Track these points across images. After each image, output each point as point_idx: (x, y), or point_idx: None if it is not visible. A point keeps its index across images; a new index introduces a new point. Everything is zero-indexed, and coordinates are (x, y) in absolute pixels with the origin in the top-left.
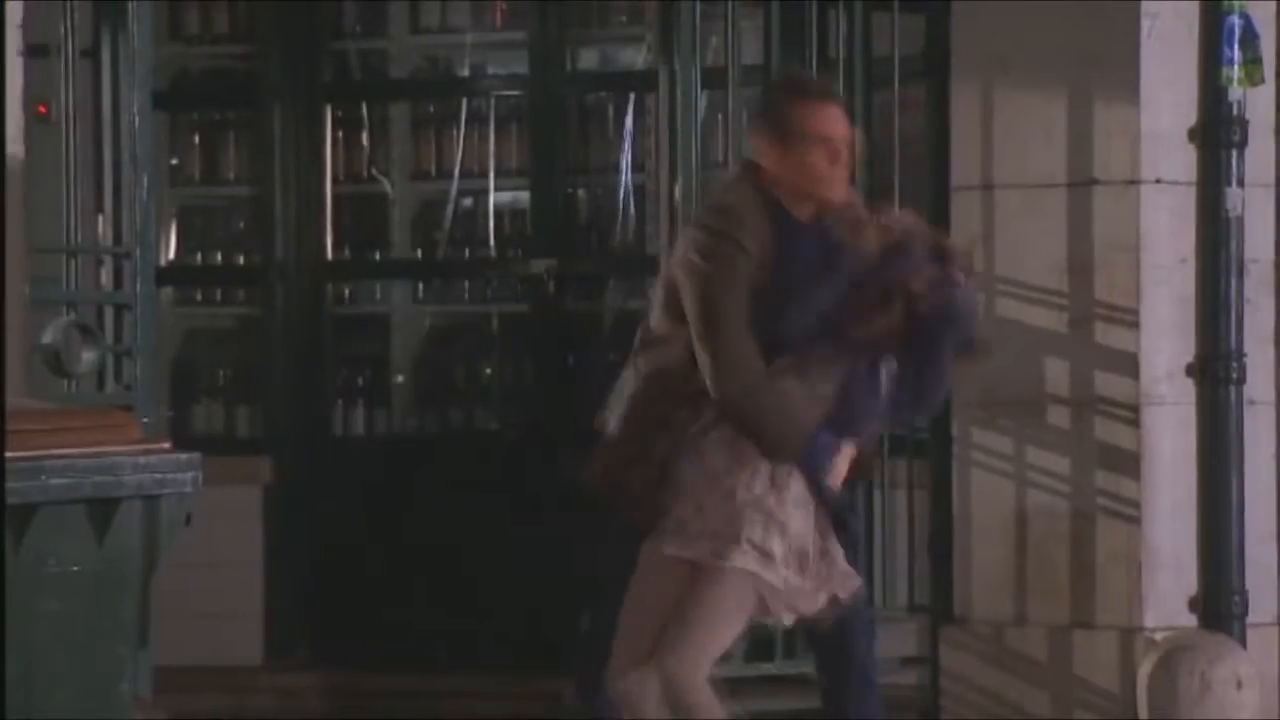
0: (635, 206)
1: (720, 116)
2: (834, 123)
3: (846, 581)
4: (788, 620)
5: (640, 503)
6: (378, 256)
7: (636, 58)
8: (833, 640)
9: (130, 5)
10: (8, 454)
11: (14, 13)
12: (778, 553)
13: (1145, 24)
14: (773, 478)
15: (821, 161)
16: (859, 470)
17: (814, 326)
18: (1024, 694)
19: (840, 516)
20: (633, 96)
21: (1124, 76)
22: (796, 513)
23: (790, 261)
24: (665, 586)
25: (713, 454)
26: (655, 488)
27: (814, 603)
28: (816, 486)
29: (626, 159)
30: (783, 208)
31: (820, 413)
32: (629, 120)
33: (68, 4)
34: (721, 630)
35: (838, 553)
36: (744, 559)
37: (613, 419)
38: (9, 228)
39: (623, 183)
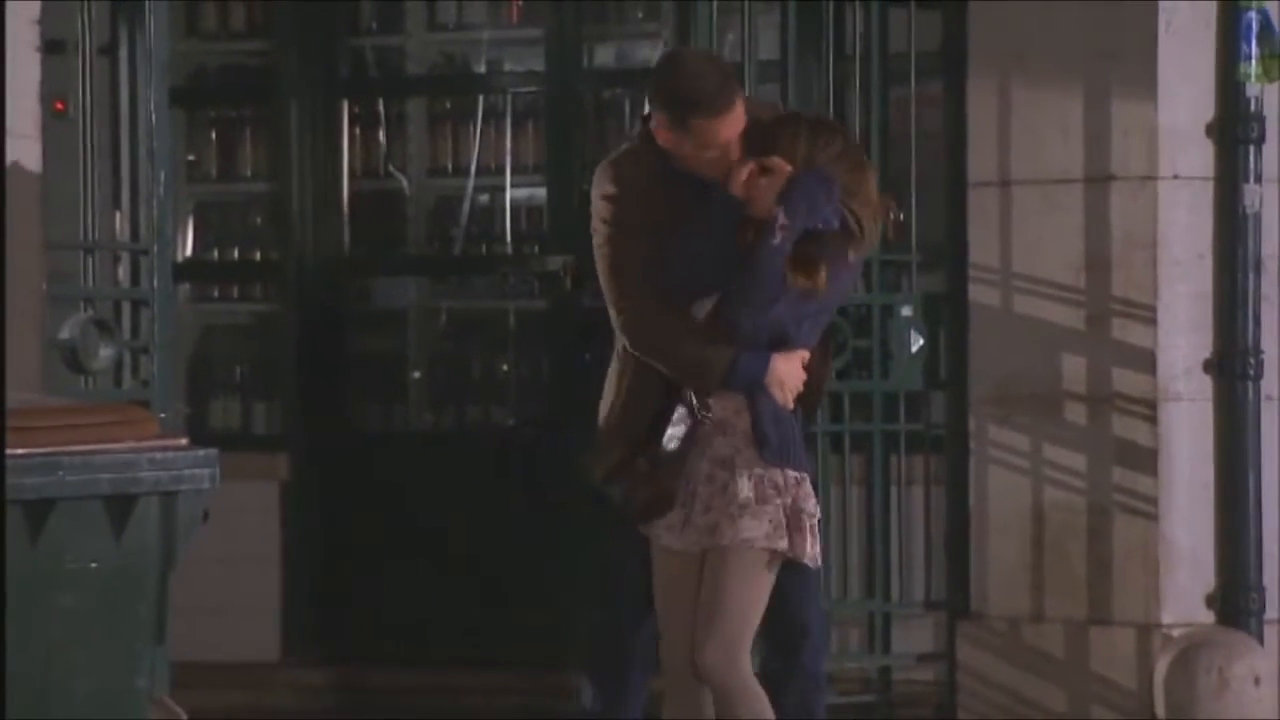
0: None
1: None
2: (731, 127)
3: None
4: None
5: (639, 492)
6: (394, 253)
7: (653, 53)
8: (784, 633)
9: (147, 2)
10: (24, 450)
11: (31, 9)
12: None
13: (1163, 19)
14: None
15: (719, 161)
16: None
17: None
18: (1041, 690)
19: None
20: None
21: (1141, 72)
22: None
23: (685, 212)
24: (684, 579)
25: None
26: (654, 477)
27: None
28: (755, 408)
29: None
30: (675, 167)
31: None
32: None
33: (85, 0)
34: (751, 612)
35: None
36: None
37: (605, 406)
38: (27, 224)
39: None
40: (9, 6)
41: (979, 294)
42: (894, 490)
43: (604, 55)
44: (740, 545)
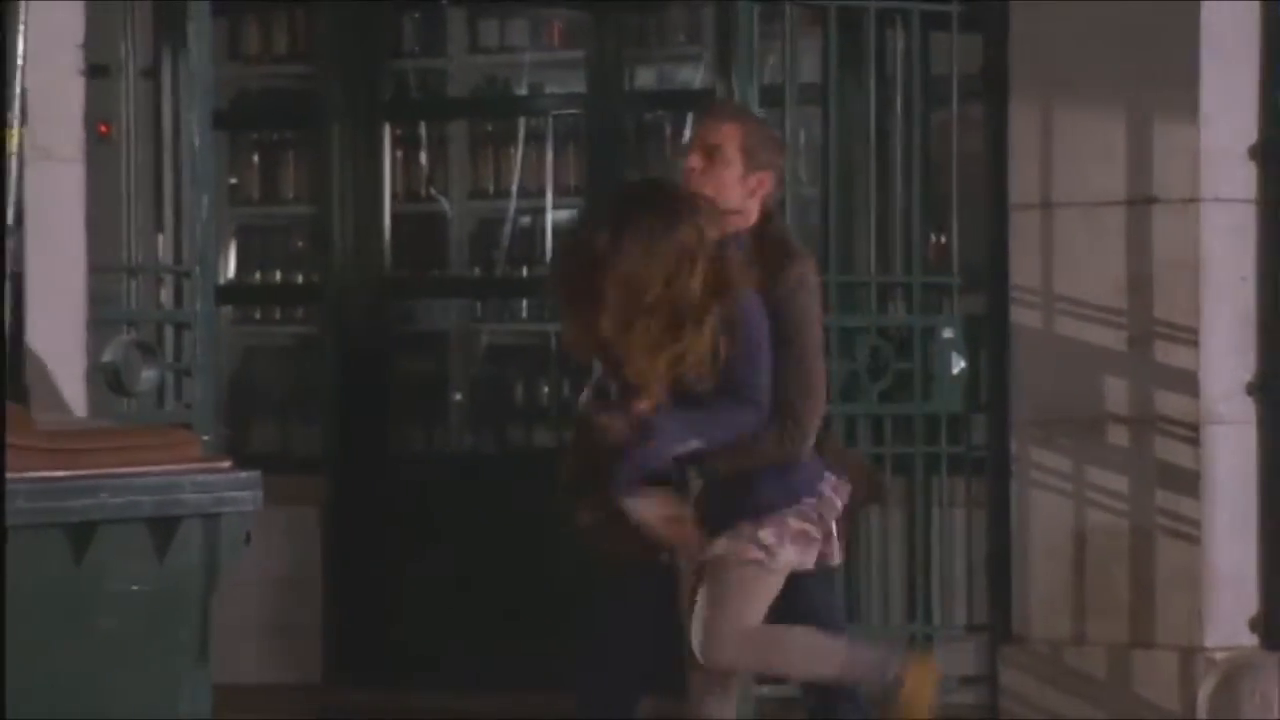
0: None
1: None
2: (705, 129)
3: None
4: None
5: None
6: (436, 275)
7: (694, 76)
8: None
9: (191, 25)
10: (67, 472)
11: (75, 32)
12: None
13: (1205, 41)
14: None
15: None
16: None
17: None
18: (1083, 714)
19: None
20: (690, 115)
21: (1184, 94)
22: None
23: None
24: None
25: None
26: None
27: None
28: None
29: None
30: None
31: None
32: (686, 138)
33: (129, 24)
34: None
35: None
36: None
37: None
38: (70, 246)
39: None
40: (53, 31)
41: (1020, 316)
42: (935, 513)
43: (645, 77)
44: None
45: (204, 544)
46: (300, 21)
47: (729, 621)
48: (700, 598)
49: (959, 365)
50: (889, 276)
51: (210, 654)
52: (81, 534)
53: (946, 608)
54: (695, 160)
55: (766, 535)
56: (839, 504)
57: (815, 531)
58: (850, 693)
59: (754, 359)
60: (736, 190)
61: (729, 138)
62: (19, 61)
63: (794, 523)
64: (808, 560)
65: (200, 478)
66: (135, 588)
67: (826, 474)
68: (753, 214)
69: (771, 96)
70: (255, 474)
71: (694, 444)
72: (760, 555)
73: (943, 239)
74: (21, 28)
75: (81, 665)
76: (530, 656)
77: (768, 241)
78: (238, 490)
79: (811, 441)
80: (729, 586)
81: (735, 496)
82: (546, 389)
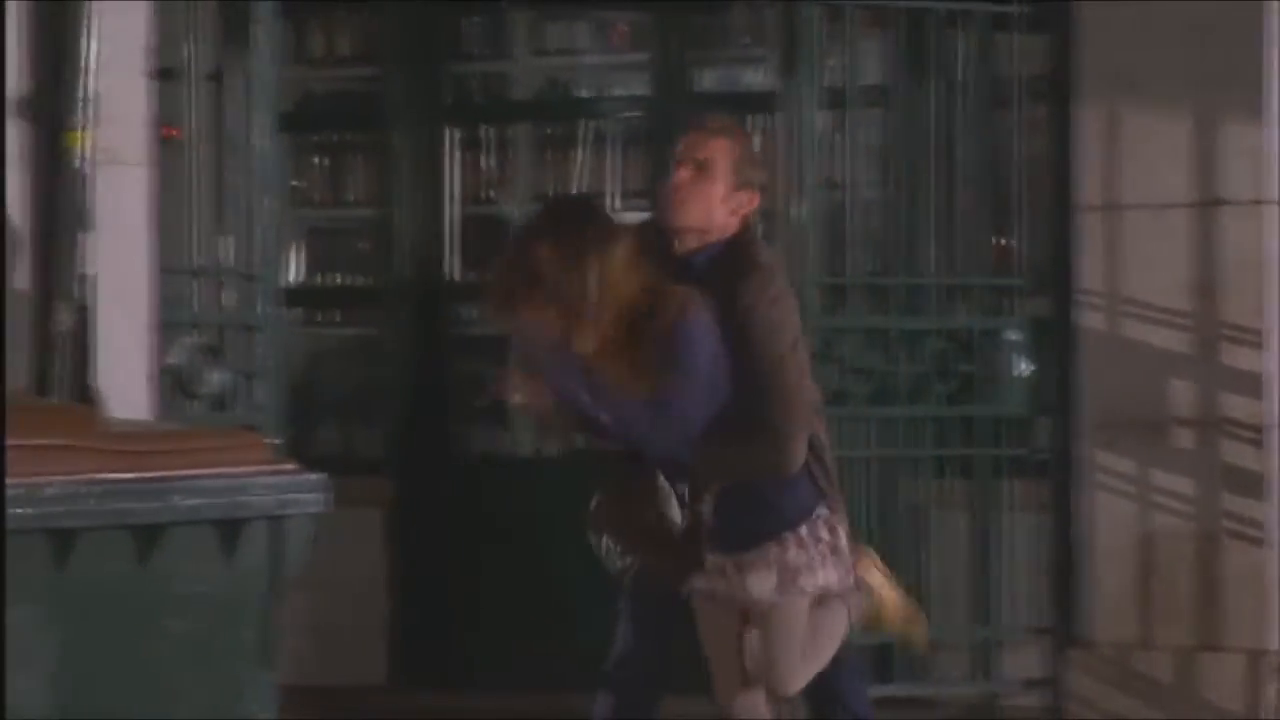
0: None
1: (840, 136)
2: (695, 142)
3: None
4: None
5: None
6: None
7: (757, 78)
8: (825, 684)
9: (256, 29)
10: (136, 474)
11: (142, 35)
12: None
13: (1271, 42)
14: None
15: (679, 176)
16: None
17: None
18: (1149, 717)
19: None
20: (752, 117)
21: (1249, 95)
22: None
23: None
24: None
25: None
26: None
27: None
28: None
29: None
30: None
31: None
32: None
33: (194, 28)
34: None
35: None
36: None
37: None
38: (136, 249)
39: None
40: (120, 35)
41: (1085, 318)
42: (1000, 515)
43: (709, 80)
44: None
45: (270, 546)
46: (364, 24)
47: (799, 657)
48: (754, 645)
49: (1024, 368)
50: (953, 279)
51: (276, 655)
52: (149, 535)
53: (1011, 611)
54: (684, 173)
55: (795, 558)
56: (844, 523)
57: (838, 546)
58: (843, 696)
59: (686, 383)
60: (720, 208)
61: (719, 152)
62: (87, 65)
63: (816, 543)
64: (841, 577)
65: (267, 480)
66: (202, 589)
67: (823, 494)
68: (732, 229)
69: (834, 98)
70: (321, 476)
71: (585, 399)
72: (798, 585)
73: (1007, 241)
74: (89, 32)
75: (148, 666)
76: (595, 658)
77: (733, 252)
78: (304, 492)
79: (801, 453)
80: (784, 631)
81: (749, 522)
82: None
